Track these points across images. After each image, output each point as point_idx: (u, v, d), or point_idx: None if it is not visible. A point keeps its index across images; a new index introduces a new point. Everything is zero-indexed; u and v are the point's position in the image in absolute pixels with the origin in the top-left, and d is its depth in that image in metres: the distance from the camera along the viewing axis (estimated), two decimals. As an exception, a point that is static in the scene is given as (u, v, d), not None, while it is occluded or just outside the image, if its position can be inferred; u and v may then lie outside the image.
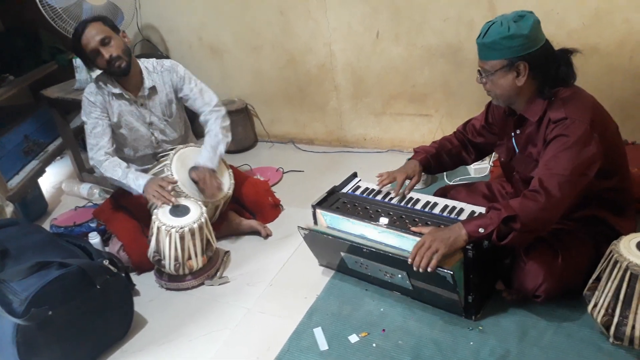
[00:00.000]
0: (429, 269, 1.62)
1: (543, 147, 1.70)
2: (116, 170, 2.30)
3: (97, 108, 2.34)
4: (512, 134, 1.87)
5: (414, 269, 1.65)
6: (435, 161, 2.10)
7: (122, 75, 2.31)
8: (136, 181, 2.26)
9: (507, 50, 1.64)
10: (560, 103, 1.67)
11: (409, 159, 2.13)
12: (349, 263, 2.00)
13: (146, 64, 2.42)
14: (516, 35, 1.61)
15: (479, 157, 2.15)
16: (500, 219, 1.61)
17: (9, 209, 2.48)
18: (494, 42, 1.64)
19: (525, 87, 1.70)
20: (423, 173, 2.12)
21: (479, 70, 1.76)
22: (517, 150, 1.88)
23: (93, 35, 2.20)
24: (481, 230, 1.63)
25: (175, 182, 2.26)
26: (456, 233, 1.66)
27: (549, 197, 1.59)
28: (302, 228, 2.01)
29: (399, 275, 1.83)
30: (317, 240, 2.04)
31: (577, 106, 1.65)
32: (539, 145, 1.74)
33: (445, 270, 1.62)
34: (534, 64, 1.65)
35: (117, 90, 2.35)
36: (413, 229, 1.79)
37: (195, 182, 2.34)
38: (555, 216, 1.65)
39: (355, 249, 1.88)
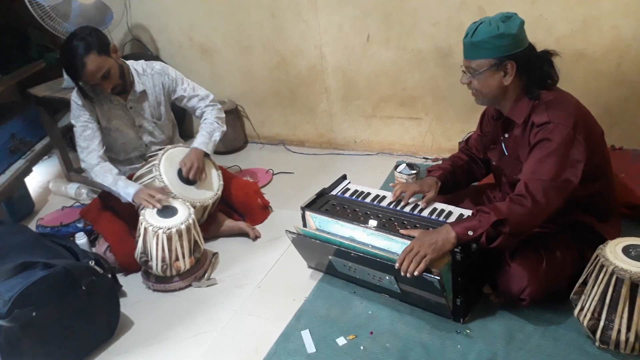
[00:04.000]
0: (415, 273, 1.62)
1: (528, 151, 1.71)
2: (107, 176, 2.29)
3: (86, 111, 2.32)
4: (502, 137, 1.88)
5: (402, 274, 1.65)
6: (451, 177, 2.06)
7: (120, 94, 2.35)
8: (125, 189, 2.24)
9: (496, 50, 1.65)
10: (544, 107, 1.68)
11: (426, 177, 2.09)
12: (337, 266, 2.00)
13: (136, 67, 2.40)
14: (505, 35, 1.63)
15: (489, 171, 2.11)
16: (490, 222, 1.62)
17: (-6, 209, 2.45)
18: (483, 41, 1.65)
19: (511, 87, 1.72)
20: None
21: (463, 70, 1.76)
22: (506, 153, 1.89)
23: (94, 73, 2.17)
24: (470, 232, 1.64)
25: (168, 194, 2.25)
26: (444, 236, 1.66)
27: (534, 203, 1.61)
28: (290, 232, 2.00)
29: (387, 279, 1.83)
30: (305, 243, 2.04)
31: (560, 110, 1.66)
32: (525, 148, 1.75)
33: (432, 276, 1.62)
34: (521, 64, 1.67)
35: (105, 96, 2.33)
36: (402, 231, 1.80)
37: (185, 178, 2.34)
38: (540, 220, 1.67)
39: (343, 253, 1.88)
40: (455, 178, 2.08)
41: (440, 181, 2.04)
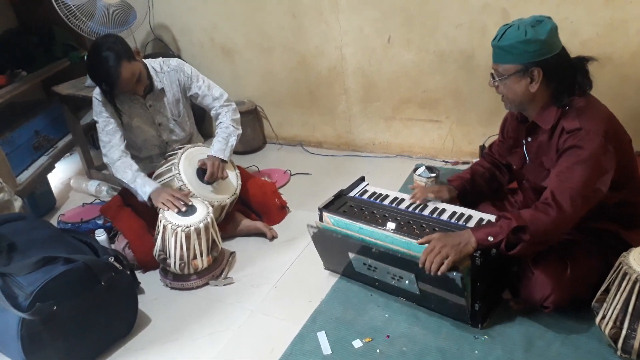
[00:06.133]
0: (439, 273, 1.61)
1: (556, 157, 1.68)
2: (126, 172, 2.31)
3: (108, 107, 2.35)
4: (524, 141, 1.85)
5: (426, 272, 1.64)
6: (471, 186, 2.05)
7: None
8: (143, 187, 2.26)
9: (522, 55, 1.61)
10: (575, 113, 1.64)
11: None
12: (356, 265, 1.99)
13: (153, 65, 2.42)
14: (532, 40, 1.59)
15: (513, 178, 2.08)
16: (510, 228, 1.60)
17: (18, 204, 2.48)
18: (509, 46, 1.62)
19: (539, 94, 1.68)
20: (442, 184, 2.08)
21: (491, 73, 1.73)
22: (527, 159, 1.86)
23: (129, 80, 2.22)
24: (490, 238, 1.62)
25: (188, 194, 2.26)
26: (465, 240, 1.65)
27: (560, 211, 1.57)
28: (312, 226, 2.00)
29: (407, 279, 1.82)
30: (325, 239, 2.03)
31: (592, 117, 1.62)
32: (551, 154, 1.72)
33: (455, 273, 1.61)
34: (549, 71, 1.63)
35: (125, 96, 2.36)
36: (419, 241, 1.75)
37: (203, 175, 2.36)
38: (565, 230, 1.64)
39: (364, 249, 1.87)
40: (476, 186, 2.06)
41: (457, 190, 2.03)
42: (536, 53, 1.61)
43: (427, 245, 1.70)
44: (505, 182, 2.11)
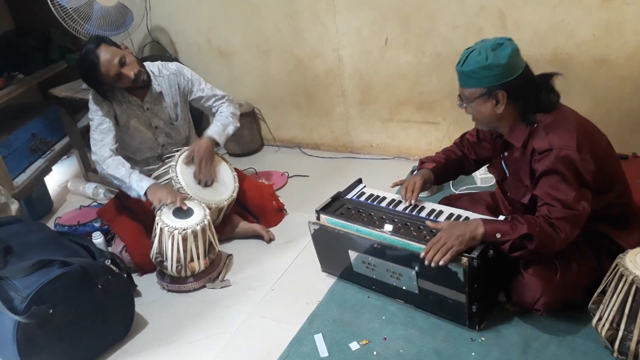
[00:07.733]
0: (441, 263, 1.62)
1: (532, 179, 1.70)
2: (119, 168, 2.27)
3: (104, 107, 2.34)
4: (501, 155, 1.88)
5: (426, 263, 1.65)
6: (444, 171, 2.10)
7: (144, 88, 2.36)
8: (139, 182, 2.23)
9: (485, 80, 1.64)
10: (543, 132, 1.65)
11: (419, 169, 2.12)
12: (355, 264, 1.99)
13: (152, 68, 2.42)
14: (493, 65, 1.61)
15: (479, 167, 2.16)
16: (520, 233, 1.61)
17: (14, 207, 2.48)
18: (472, 72, 1.64)
19: (506, 114, 1.70)
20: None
21: (459, 96, 1.76)
22: (507, 173, 1.88)
23: (110, 60, 2.20)
24: (498, 235, 1.64)
25: (186, 198, 2.25)
26: (472, 231, 1.66)
27: (565, 233, 1.60)
28: (313, 223, 2.00)
29: (407, 276, 1.82)
30: (325, 237, 2.03)
31: (561, 133, 1.63)
32: (525, 170, 1.74)
33: (457, 265, 1.62)
34: (513, 92, 1.65)
35: (123, 97, 2.36)
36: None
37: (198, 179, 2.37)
38: (564, 246, 1.65)
39: (365, 244, 1.88)
40: (447, 171, 2.11)
41: (433, 174, 2.07)
42: (498, 77, 1.63)
43: (423, 245, 1.70)
44: (470, 171, 2.18)
